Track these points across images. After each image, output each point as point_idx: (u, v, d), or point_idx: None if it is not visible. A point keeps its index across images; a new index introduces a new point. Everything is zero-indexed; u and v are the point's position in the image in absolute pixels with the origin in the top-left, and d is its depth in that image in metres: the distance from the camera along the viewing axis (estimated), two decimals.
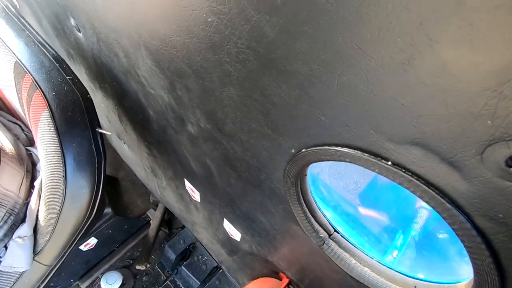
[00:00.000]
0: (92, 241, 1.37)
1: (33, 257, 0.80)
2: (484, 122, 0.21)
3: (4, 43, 0.75)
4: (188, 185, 0.96)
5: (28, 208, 0.78)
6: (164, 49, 0.53)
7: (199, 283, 1.43)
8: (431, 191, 0.27)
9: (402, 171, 0.29)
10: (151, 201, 1.78)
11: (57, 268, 0.89)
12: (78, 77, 0.78)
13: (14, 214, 0.76)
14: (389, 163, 0.30)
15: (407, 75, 0.23)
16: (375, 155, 0.31)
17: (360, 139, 0.31)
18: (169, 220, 1.74)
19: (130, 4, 0.53)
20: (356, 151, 0.32)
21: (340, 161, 0.35)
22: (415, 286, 0.43)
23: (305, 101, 0.34)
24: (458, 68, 0.20)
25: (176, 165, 0.93)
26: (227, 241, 1.03)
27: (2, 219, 0.75)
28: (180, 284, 1.52)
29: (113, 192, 1.63)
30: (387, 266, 0.47)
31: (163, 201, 1.41)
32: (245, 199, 0.68)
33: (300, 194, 0.48)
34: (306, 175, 0.46)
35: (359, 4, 0.23)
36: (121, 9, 0.58)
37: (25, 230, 0.76)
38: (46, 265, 0.82)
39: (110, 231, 1.46)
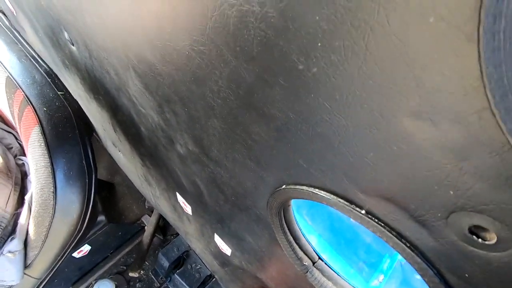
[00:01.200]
0: (86, 248, 1.37)
1: (23, 271, 0.80)
2: (447, 191, 0.21)
3: None
4: (180, 198, 0.96)
5: (19, 222, 0.79)
6: (151, 75, 0.53)
7: None
8: (402, 244, 0.28)
9: (375, 221, 0.29)
10: (147, 206, 1.78)
11: (49, 278, 0.90)
12: (74, 86, 0.78)
13: (1, 228, 0.77)
14: (363, 211, 0.30)
15: (373, 137, 0.23)
16: (350, 202, 0.31)
17: (335, 185, 0.31)
18: (163, 226, 1.75)
19: (118, 26, 0.54)
20: (332, 196, 0.32)
21: (318, 202, 0.35)
22: None
23: (283, 143, 0.34)
24: (420, 140, 0.20)
25: (169, 179, 0.93)
26: (219, 254, 1.03)
27: None
28: None
29: (108, 197, 1.63)
30: None
31: (157, 209, 1.42)
32: (233, 220, 0.68)
33: (284, 224, 0.48)
34: (289, 205, 0.46)
35: (327, 67, 0.23)
36: (110, 29, 0.58)
37: (15, 244, 0.77)
38: (36, 278, 0.83)
39: (104, 237, 1.46)
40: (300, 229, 0.51)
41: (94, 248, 1.41)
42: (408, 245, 0.27)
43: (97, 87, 0.92)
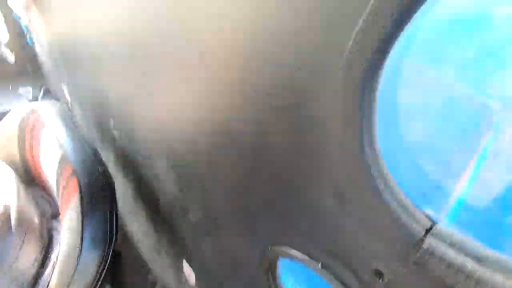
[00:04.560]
0: None
1: None
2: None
3: (57, 139, 0.96)
4: (185, 266, 1.04)
5: (40, 281, 0.88)
6: (181, 162, 0.70)
7: None
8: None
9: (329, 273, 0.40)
10: (149, 281, 1.79)
11: None
12: (108, 161, 0.95)
13: (22, 285, 0.85)
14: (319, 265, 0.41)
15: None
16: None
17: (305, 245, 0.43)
18: None
19: (158, 123, 0.73)
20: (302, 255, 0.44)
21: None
22: None
23: (271, 215, 0.47)
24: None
25: (177, 246, 1.03)
26: None
27: None
28: None
29: (114, 267, 1.67)
30: None
31: (162, 280, 1.44)
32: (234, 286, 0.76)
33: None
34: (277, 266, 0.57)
35: None
36: (152, 125, 0.78)
37: None
38: None
39: None
40: None
41: None
42: None
43: (128, 165, 1.10)
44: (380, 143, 0.32)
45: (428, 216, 0.31)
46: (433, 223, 0.30)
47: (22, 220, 0.93)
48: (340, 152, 0.33)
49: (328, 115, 0.32)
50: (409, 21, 0.24)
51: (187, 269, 1.02)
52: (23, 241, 0.91)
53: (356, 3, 0.25)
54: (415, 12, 0.23)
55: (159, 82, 0.65)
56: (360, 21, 0.24)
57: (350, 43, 0.26)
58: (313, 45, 0.30)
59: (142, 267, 1.72)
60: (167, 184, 0.84)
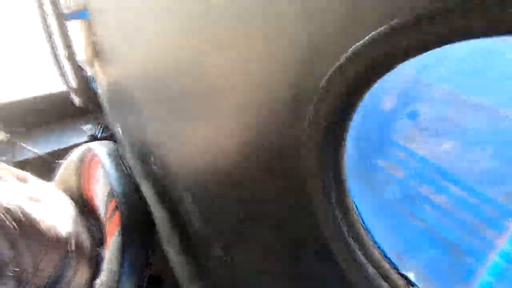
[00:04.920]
0: None
1: None
2: None
3: (107, 175, 1.10)
4: None
5: None
6: (206, 197, 0.77)
7: None
8: None
9: None
10: None
11: None
12: (148, 194, 1.07)
13: None
14: None
15: None
16: None
17: None
18: None
19: (187, 163, 0.82)
20: None
21: None
22: None
23: None
24: None
25: (203, 276, 1.09)
26: None
27: None
28: None
29: None
30: None
31: None
32: None
33: None
34: None
35: None
36: (182, 163, 0.87)
37: None
38: None
39: None
40: None
41: None
42: None
43: (164, 197, 1.22)
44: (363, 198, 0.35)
45: (406, 278, 0.32)
46: (411, 285, 0.32)
47: (78, 245, 1.07)
48: (318, 205, 0.36)
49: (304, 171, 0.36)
50: (353, 109, 0.28)
51: None
52: (77, 266, 1.04)
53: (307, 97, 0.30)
54: (355, 106, 0.28)
55: (181, 124, 0.75)
56: (312, 107, 0.30)
57: (306, 122, 0.31)
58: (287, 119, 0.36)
59: None
60: (192, 217, 0.92)
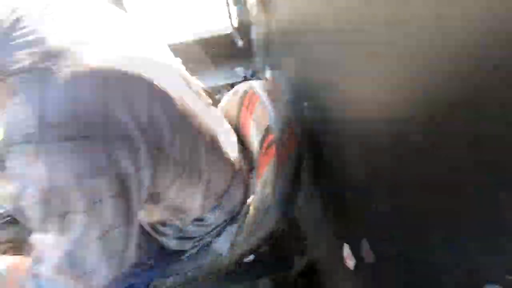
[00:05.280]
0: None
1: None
2: None
3: (268, 111, 1.20)
4: None
5: (241, 214, 1.17)
6: None
7: None
8: None
9: None
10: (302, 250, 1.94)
11: None
12: None
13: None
14: None
15: None
16: None
17: None
18: None
19: None
20: None
21: None
22: None
23: None
24: None
25: None
26: None
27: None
28: None
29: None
30: None
31: (316, 255, 1.58)
32: None
33: None
34: None
35: None
36: None
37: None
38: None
39: None
40: None
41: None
42: None
43: (311, 143, 1.25)
44: None
45: None
46: None
47: (240, 168, 1.24)
48: None
49: None
50: None
51: (347, 253, 1.07)
52: (238, 185, 1.22)
53: None
54: None
55: (354, 67, 0.71)
56: None
57: None
58: None
59: (301, 238, 1.86)
60: (352, 170, 0.91)
